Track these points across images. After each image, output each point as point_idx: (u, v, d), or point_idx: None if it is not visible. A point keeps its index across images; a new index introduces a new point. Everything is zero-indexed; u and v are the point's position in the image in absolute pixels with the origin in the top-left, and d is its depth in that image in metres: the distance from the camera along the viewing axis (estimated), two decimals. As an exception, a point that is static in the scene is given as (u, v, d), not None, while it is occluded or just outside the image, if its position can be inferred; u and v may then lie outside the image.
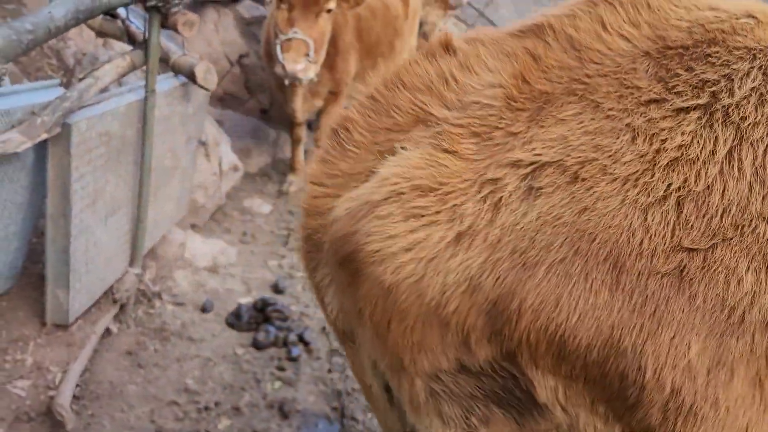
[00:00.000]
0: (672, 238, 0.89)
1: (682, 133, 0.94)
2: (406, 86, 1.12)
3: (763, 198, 0.90)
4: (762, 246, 0.88)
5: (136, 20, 3.29)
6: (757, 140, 0.92)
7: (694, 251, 0.88)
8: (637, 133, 0.96)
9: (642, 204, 0.90)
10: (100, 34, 3.35)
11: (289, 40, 4.27)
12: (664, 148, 0.93)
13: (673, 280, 0.87)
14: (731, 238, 0.88)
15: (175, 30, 2.64)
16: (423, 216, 0.95)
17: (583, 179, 0.93)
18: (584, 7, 1.12)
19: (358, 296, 1.01)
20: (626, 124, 0.97)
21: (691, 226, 0.89)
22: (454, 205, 0.95)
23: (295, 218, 5.25)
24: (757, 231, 0.88)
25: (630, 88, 1.01)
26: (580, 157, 0.95)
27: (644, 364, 0.85)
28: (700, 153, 0.92)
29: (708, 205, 0.90)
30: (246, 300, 3.70)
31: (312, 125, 6.70)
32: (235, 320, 3.39)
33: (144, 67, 2.72)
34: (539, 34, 1.12)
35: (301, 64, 4.29)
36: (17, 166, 2.36)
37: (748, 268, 0.87)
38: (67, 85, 3.04)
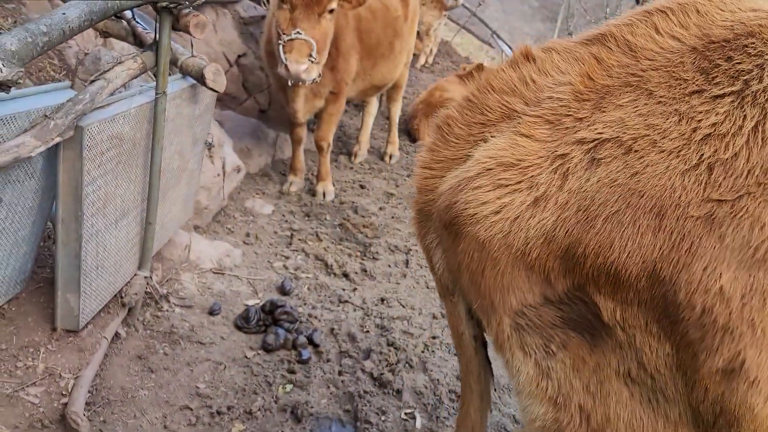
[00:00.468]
0: (703, 193, 1.10)
1: (716, 114, 1.15)
2: (495, 89, 1.38)
3: None
4: None
5: (141, 20, 3.27)
6: None
7: (723, 201, 1.08)
8: (682, 116, 1.17)
9: (680, 170, 1.12)
10: (105, 34, 3.30)
11: (292, 40, 4.24)
12: (700, 126, 1.14)
13: (705, 222, 1.08)
14: (754, 193, 1.08)
15: (187, 32, 2.61)
16: (507, 185, 1.20)
17: (636, 150, 1.16)
18: (640, 16, 1.33)
19: (458, 251, 1.27)
20: (674, 110, 1.18)
21: (720, 184, 1.09)
22: (532, 176, 1.20)
23: (296, 218, 5.23)
24: None
25: (678, 80, 1.21)
26: (634, 134, 1.17)
27: (679, 289, 1.07)
28: (730, 128, 1.13)
29: (734, 168, 1.10)
30: (253, 302, 3.68)
31: (311, 125, 6.68)
32: (243, 323, 3.36)
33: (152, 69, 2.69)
34: (602, 41, 1.33)
35: (305, 65, 4.26)
36: (27, 170, 2.33)
37: None
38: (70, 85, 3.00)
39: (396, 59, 6.06)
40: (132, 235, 2.90)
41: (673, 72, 1.21)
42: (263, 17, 6.99)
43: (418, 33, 8.63)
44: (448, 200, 1.26)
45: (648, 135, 1.16)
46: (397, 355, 3.34)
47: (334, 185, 5.90)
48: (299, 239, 4.78)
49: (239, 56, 6.59)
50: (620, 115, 1.20)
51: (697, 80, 1.18)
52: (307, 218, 5.31)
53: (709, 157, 1.11)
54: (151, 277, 3.17)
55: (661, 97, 1.19)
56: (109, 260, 2.72)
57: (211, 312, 3.44)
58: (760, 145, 1.10)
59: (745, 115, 1.12)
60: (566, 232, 1.15)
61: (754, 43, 1.17)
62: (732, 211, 1.06)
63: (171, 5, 2.48)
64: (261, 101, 6.86)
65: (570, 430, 1.24)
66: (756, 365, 1.04)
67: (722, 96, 1.15)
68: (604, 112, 1.21)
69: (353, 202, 5.69)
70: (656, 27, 1.28)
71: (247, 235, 4.65)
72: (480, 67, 9.06)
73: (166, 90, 2.70)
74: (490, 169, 1.22)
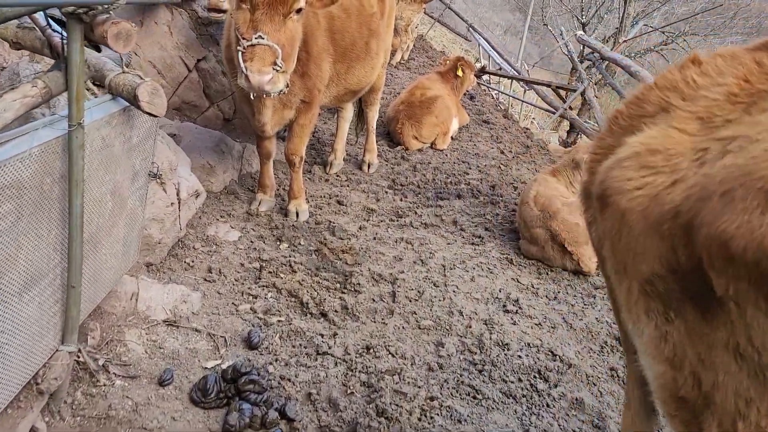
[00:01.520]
0: None
1: None
2: (658, 87, 1.53)
3: None
4: None
5: (61, 28, 2.63)
6: None
7: None
8: None
9: None
10: (16, 45, 2.66)
11: (253, 46, 3.59)
12: None
13: None
14: None
15: (104, 44, 2.00)
16: (653, 167, 1.40)
17: (758, 140, 1.25)
18: None
19: (604, 218, 1.51)
20: None
21: None
22: (675, 162, 1.37)
23: (266, 245, 4.61)
24: None
25: None
26: (761, 131, 1.26)
27: None
28: None
29: None
30: (213, 363, 3.08)
31: (281, 134, 6.05)
32: (200, 396, 2.76)
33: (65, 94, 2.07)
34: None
35: (268, 75, 3.60)
36: None
37: None
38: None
39: (373, 61, 5.46)
40: (49, 304, 2.27)
41: None
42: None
43: (395, 29, 8.05)
44: (602, 177, 1.49)
45: None
46: (389, 427, 2.78)
47: (308, 202, 5.30)
48: (269, 272, 4.17)
49: (198, 60, 5.92)
50: (761, 118, 1.29)
51: None
52: (278, 243, 4.70)
53: None
54: (80, 349, 2.54)
55: None
56: (12, 343, 2.09)
57: (161, 382, 2.83)
58: None
59: None
60: (689, 207, 1.28)
61: None
62: None
63: (79, 10, 1.85)
64: (225, 109, 6.21)
65: (685, 390, 1.37)
66: None
67: None
68: (750, 114, 1.33)
69: (330, 222, 5.09)
70: None
71: (209, 270, 4.03)
72: (459, 60, 8.49)
73: (83, 120, 2.07)
74: (638, 153, 1.41)
